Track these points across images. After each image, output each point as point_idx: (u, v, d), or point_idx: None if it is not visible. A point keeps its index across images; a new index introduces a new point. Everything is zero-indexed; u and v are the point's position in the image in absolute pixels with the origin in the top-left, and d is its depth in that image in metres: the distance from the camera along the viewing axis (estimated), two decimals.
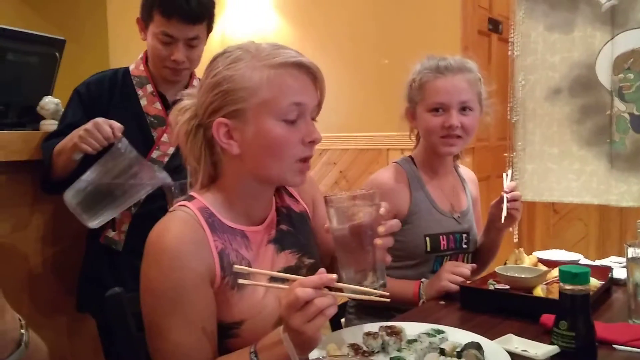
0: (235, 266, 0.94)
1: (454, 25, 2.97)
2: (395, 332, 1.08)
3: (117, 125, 1.55)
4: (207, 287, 0.99)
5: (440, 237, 1.62)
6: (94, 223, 1.50)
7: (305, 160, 1.06)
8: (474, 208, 1.78)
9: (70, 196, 1.50)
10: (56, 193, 1.62)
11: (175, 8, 1.63)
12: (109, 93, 1.73)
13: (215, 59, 1.06)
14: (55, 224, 1.86)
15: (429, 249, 1.61)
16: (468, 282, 1.45)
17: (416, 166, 1.70)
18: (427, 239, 1.60)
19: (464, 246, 1.67)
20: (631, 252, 1.23)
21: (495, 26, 3.41)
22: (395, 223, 1.03)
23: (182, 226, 1.00)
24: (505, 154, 2.97)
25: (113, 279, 1.70)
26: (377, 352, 1.07)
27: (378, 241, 1.00)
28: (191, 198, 1.07)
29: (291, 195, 1.23)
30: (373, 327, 1.13)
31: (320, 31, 3.45)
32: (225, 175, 1.08)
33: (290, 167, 1.04)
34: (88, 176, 1.49)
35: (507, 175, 1.65)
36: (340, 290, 0.93)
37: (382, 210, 1.02)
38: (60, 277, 1.88)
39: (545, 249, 1.85)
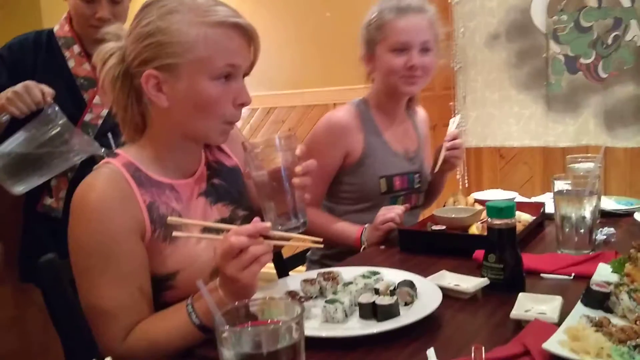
0: (170, 218, 0.94)
1: None
2: (332, 277, 1.11)
3: (48, 90, 1.50)
4: (136, 241, 0.99)
5: (394, 178, 1.65)
6: (19, 189, 1.46)
7: (232, 122, 1.06)
8: (425, 147, 1.81)
9: None
10: None
11: None
12: (33, 55, 1.66)
13: (147, 5, 1.02)
14: None
15: (383, 189, 1.64)
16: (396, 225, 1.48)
17: (370, 109, 1.70)
18: (382, 180, 1.64)
19: (417, 186, 1.71)
20: (558, 185, 1.28)
21: None
22: (311, 163, 1.04)
23: (107, 183, 0.98)
24: (451, 103, 3.01)
25: (55, 247, 1.66)
26: (315, 297, 1.09)
27: (296, 180, 1.01)
28: (115, 155, 1.05)
29: (222, 150, 1.22)
30: (312, 274, 1.15)
31: None
32: (152, 126, 1.07)
33: (216, 127, 1.04)
34: (14, 141, 1.44)
35: (453, 121, 1.68)
36: (275, 238, 0.94)
37: (297, 152, 1.04)
38: None
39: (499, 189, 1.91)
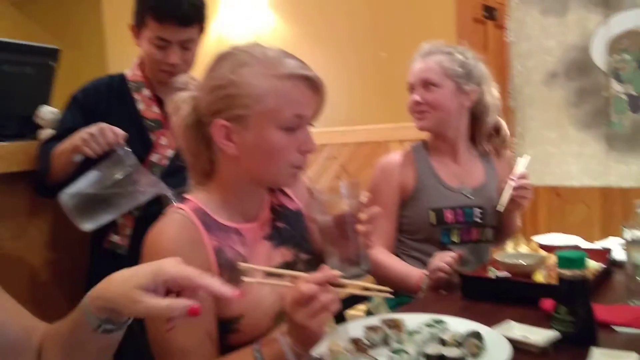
0: (240, 263, 0.97)
1: (448, 15, 2.97)
2: (395, 325, 1.10)
3: (120, 132, 1.56)
4: None
5: (445, 210, 1.69)
6: (89, 227, 1.51)
7: (299, 167, 1.09)
8: (495, 184, 1.80)
9: (67, 198, 1.49)
10: (51, 196, 1.62)
11: (167, 12, 1.65)
12: (106, 99, 1.75)
13: (220, 59, 1.07)
14: (58, 231, 1.87)
15: (433, 222, 1.68)
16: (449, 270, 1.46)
17: (426, 148, 1.81)
18: (431, 212, 1.68)
19: (478, 220, 1.71)
20: (629, 234, 1.24)
21: (490, 13, 3.40)
22: (376, 210, 1.06)
23: (177, 227, 1.02)
24: None
25: None
26: (379, 345, 1.08)
27: (361, 227, 1.03)
28: (184, 200, 1.09)
29: (285, 194, 1.25)
30: (374, 320, 1.15)
31: (317, 27, 3.45)
32: (221, 172, 1.10)
33: (284, 172, 1.08)
34: (86, 180, 1.49)
35: (521, 161, 1.67)
36: (343, 286, 0.94)
37: (362, 199, 1.06)
38: (66, 284, 1.90)
39: (549, 233, 1.87)
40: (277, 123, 1.03)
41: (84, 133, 1.55)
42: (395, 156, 1.80)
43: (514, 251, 1.54)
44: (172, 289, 0.80)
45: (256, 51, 1.06)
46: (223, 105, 1.03)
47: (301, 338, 0.90)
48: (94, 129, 1.54)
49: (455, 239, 1.69)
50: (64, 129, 1.70)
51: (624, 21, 2.57)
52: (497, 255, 1.48)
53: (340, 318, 1.63)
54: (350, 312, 1.71)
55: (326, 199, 1.06)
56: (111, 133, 1.53)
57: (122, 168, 1.49)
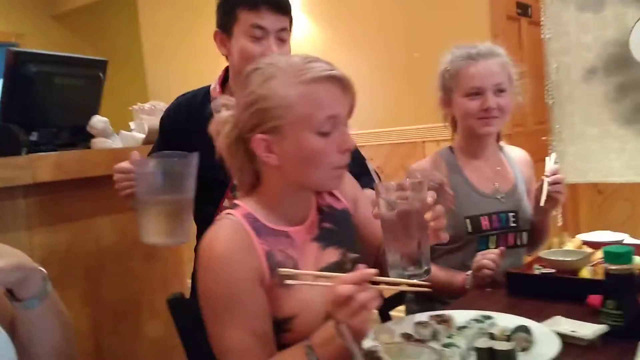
0: (279, 269, 1.01)
1: (481, 13, 2.97)
2: (444, 320, 1.12)
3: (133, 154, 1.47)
4: (258, 288, 1.05)
5: (481, 217, 1.68)
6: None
7: (342, 167, 1.12)
8: (523, 186, 1.81)
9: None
10: None
11: None
12: (185, 118, 1.67)
13: (248, 75, 1.11)
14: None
15: (470, 230, 1.67)
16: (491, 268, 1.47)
17: (454, 153, 1.78)
18: (467, 220, 1.67)
19: (512, 225, 1.71)
20: None
21: (524, 10, 3.38)
22: (439, 208, 1.08)
23: (230, 233, 1.06)
24: (544, 138, 2.95)
25: None
26: (429, 340, 1.11)
27: (431, 223, 1.06)
28: (236, 206, 1.13)
29: (332, 194, 1.27)
30: (422, 317, 1.18)
31: (350, 30, 3.48)
32: (266, 183, 1.14)
33: (328, 175, 1.10)
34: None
35: (549, 158, 1.67)
36: (382, 283, 0.97)
37: (429, 200, 1.07)
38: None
39: (591, 231, 1.85)
40: (312, 128, 1.05)
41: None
42: (424, 164, 1.76)
43: (559, 249, 1.54)
44: None
45: (280, 62, 1.08)
46: (258, 120, 1.07)
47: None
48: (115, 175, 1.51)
49: (492, 245, 1.67)
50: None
51: None
52: (543, 253, 1.48)
53: (385, 319, 1.67)
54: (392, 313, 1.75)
55: (392, 194, 1.06)
56: (120, 168, 1.50)
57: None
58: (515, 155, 1.86)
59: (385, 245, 1.08)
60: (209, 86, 1.71)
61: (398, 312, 1.79)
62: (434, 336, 1.11)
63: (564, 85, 2.83)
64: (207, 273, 1.05)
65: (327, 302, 0.94)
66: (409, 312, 1.77)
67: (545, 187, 1.61)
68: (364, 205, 1.32)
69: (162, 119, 1.73)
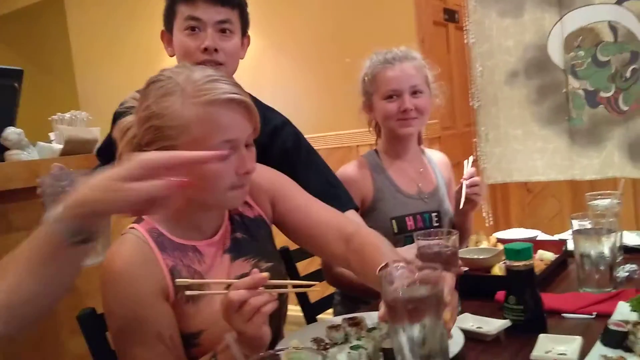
0: (176, 280, 0.98)
1: (408, 19, 3.03)
2: (356, 323, 1.14)
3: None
4: (162, 304, 1.03)
5: (406, 218, 1.72)
6: None
7: (240, 187, 1.07)
8: (444, 187, 1.86)
9: None
10: None
11: None
12: None
13: (148, 85, 1.06)
14: None
15: (396, 230, 1.70)
16: None
17: (379, 156, 1.82)
18: (393, 221, 1.71)
19: (435, 224, 1.76)
20: (576, 224, 1.30)
21: (451, 16, 3.48)
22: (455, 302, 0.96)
23: (132, 249, 1.04)
24: (475, 140, 3.04)
25: None
26: (341, 343, 1.12)
27: (450, 325, 0.91)
28: (140, 220, 1.10)
29: (244, 202, 1.23)
30: (337, 320, 1.19)
31: (282, 37, 3.49)
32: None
33: (224, 196, 1.06)
34: None
35: (467, 162, 1.73)
36: (276, 286, 0.98)
37: (446, 298, 0.91)
38: None
39: (521, 228, 1.93)
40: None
41: None
42: (350, 167, 1.79)
43: (475, 247, 1.59)
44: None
45: (181, 77, 1.02)
46: (152, 138, 1.02)
47: (244, 342, 0.92)
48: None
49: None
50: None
51: (576, 19, 2.65)
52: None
53: (312, 322, 1.67)
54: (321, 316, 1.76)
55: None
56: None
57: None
58: (436, 157, 1.92)
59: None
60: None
61: (327, 314, 1.80)
62: (346, 339, 1.12)
63: (488, 88, 2.92)
64: (109, 290, 1.02)
65: (222, 310, 0.92)
66: (337, 315, 1.78)
67: (464, 190, 1.68)
68: (290, 195, 1.26)
69: (115, 113, 1.59)
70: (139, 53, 3.86)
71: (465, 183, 1.69)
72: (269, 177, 1.27)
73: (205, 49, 1.48)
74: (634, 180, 3.09)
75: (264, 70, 3.56)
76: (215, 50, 1.48)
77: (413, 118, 1.73)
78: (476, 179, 1.71)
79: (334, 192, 1.58)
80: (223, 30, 1.51)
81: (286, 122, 1.64)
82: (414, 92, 1.73)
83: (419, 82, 1.74)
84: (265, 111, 1.63)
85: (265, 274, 0.92)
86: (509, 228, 3.58)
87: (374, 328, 1.10)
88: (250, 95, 1.61)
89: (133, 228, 1.08)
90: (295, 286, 1.06)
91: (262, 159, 1.51)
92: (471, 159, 1.74)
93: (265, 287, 0.92)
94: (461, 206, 1.67)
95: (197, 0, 1.48)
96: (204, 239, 1.13)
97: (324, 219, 1.22)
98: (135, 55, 3.92)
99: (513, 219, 3.95)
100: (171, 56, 1.58)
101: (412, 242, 1.68)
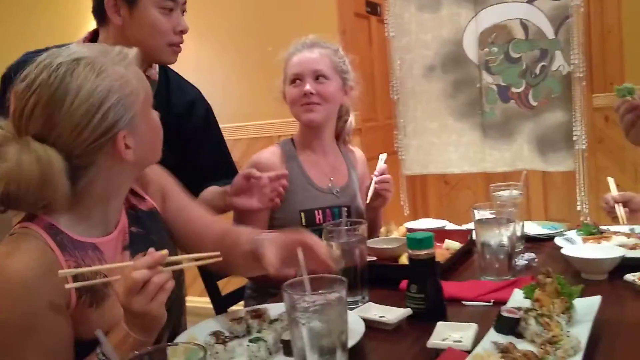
0: (59, 271, 0.90)
1: (329, 10, 3.02)
2: (258, 315, 1.12)
3: None
4: (61, 313, 0.94)
5: (316, 211, 1.70)
6: None
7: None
8: (357, 183, 1.86)
9: None
10: None
11: None
12: None
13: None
14: None
15: (304, 223, 1.69)
16: None
17: (295, 146, 1.78)
18: (302, 214, 1.69)
19: (346, 218, 1.73)
20: (477, 214, 1.33)
21: (373, 9, 3.50)
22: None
23: (29, 255, 0.93)
24: (396, 132, 3.09)
25: None
26: (243, 335, 1.09)
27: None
28: (33, 216, 0.99)
29: (136, 194, 1.17)
30: (241, 312, 1.16)
31: (202, 24, 3.39)
32: (88, 187, 1.01)
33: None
34: None
35: (381, 157, 1.74)
36: (177, 262, 0.95)
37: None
38: None
39: (439, 219, 1.96)
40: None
41: None
42: (265, 154, 1.76)
43: (385, 237, 1.60)
44: None
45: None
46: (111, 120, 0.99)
47: (143, 325, 0.89)
48: None
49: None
50: None
51: (491, 16, 2.74)
52: (368, 242, 1.53)
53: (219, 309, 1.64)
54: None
55: None
56: None
57: None
58: (352, 153, 1.91)
59: None
60: (64, 46, 1.55)
61: (239, 306, 1.78)
62: (248, 331, 1.10)
63: (407, 81, 2.97)
64: (1, 299, 0.91)
65: (120, 293, 0.89)
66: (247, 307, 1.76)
67: (373, 185, 1.68)
68: (175, 194, 1.24)
69: (4, 76, 1.49)
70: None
71: (375, 179, 1.69)
72: (159, 172, 1.24)
73: (182, 31, 1.53)
74: (545, 172, 3.25)
75: (186, 59, 3.45)
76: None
77: (315, 104, 1.70)
78: (387, 176, 1.71)
79: (233, 170, 1.73)
80: (185, 9, 1.56)
81: (200, 97, 1.72)
82: (317, 77, 1.71)
83: (323, 68, 1.72)
84: (181, 81, 1.70)
85: (164, 251, 0.90)
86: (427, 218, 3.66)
87: (275, 320, 1.09)
88: (166, 67, 1.63)
89: (26, 227, 0.97)
90: (196, 259, 1.01)
91: (176, 129, 1.56)
92: (384, 155, 1.75)
93: (165, 266, 0.90)
94: (368, 200, 1.68)
95: None
96: (103, 235, 1.05)
97: (204, 222, 1.24)
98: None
99: (431, 210, 4.05)
100: (117, 24, 1.48)
101: (320, 235, 1.69)
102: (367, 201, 1.66)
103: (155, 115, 1.07)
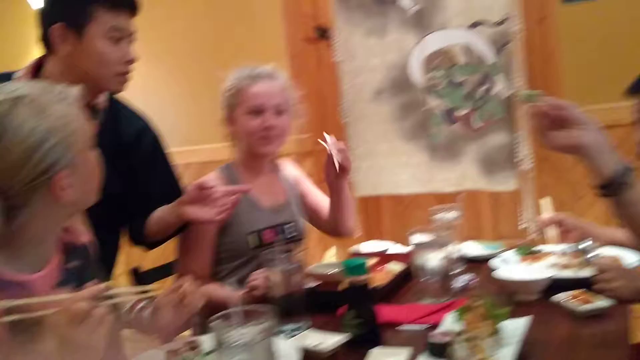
0: None
1: (277, 35, 3.06)
2: (194, 347, 1.11)
3: None
4: None
5: (263, 232, 1.71)
6: None
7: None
8: (307, 198, 1.89)
9: None
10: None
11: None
12: None
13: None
14: None
15: (253, 244, 1.69)
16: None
17: (235, 170, 1.80)
18: (250, 236, 1.69)
19: (292, 235, 1.76)
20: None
21: (323, 33, 3.56)
22: None
23: None
24: None
25: None
26: None
27: None
28: None
29: (71, 231, 1.15)
30: (177, 344, 1.15)
31: (155, 47, 3.38)
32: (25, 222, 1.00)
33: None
34: None
35: (327, 136, 1.69)
36: (113, 296, 0.94)
37: None
38: None
39: (393, 238, 1.98)
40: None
41: None
42: (211, 177, 1.76)
43: (330, 262, 1.61)
44: None
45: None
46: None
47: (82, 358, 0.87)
48: None
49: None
50: None
51: (434, 41, 2.82)
52: (310, 267, 1.54)
53: None
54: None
55: None
56: None
57: None
58: (288, 171, 1.93)
59: None
60: (9, 74, 1.52)
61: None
62: None
63: (356, 104, 3.02)
64: None
65: (60, 325, 0.87)
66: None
67: (336, 157, 1.64)
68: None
69: None
70: None
71: (334, 151, 1.65)
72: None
73: (130, 61, 1.53)
74: (493, 193, 3.33)
75: (135, 84, 3.43)
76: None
77: (275, 136, 1.73)
78: (342, 143, 1.69)
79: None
80: (132, 40, 1.56)
81: (148, 125, 1.71)
82: (278, 112, 1.73)
83: (282, 102, 1.74)
84: (129, 110, 1.70)
85: (103, 285, 0.90)
86: (381, 238, 3.70)
87: (210, 351, 1.08)
88: (114, 98, 1.64)
89: None
90: (137, 293, 1.01)
91: (125, 157, 1.57)
92: (331, 137, 1.70)
93: (105, 298, 0.90)
94: (337, 169, 1.65)
95: (121, 10, 1.49)
96: (35, 272, 1.02)
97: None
98: None
99: (385, 229, 4.09)
100: (65, 54, 1.47)
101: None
102: (337, 170, 1.65)
103: (94, 155, 1.06)
